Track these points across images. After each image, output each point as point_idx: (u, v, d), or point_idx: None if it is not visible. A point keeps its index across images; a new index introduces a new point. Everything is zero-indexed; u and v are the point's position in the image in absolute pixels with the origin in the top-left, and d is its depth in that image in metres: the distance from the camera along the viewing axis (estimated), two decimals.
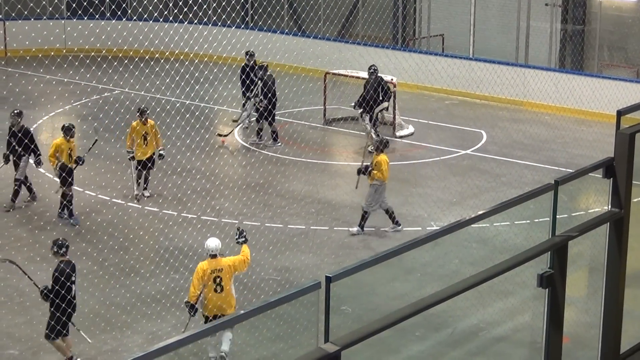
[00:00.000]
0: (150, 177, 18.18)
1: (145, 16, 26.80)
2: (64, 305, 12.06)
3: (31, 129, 17.99)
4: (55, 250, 12.33)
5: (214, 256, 12.39)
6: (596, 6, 26.34)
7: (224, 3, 24.02)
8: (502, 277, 6.01)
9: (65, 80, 25.36)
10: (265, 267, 15.29)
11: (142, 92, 24.09)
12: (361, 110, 21.32)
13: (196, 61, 23.73)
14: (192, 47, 23.91)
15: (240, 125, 22.45)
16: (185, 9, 23.28)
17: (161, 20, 26.20)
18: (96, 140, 17.26)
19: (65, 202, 16.82)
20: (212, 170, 19.65)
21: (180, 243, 16.10)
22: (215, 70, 23.56)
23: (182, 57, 23.13)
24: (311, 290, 4.88)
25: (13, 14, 26.20)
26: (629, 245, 7.14)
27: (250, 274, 14.84)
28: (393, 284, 14.24)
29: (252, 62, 22.00)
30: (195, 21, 26.21)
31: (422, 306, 5.39)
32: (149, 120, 17.92)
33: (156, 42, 21.32)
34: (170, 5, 28.33)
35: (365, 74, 21.92)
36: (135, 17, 27.61)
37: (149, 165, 18.00)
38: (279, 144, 21.51)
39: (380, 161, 16.50)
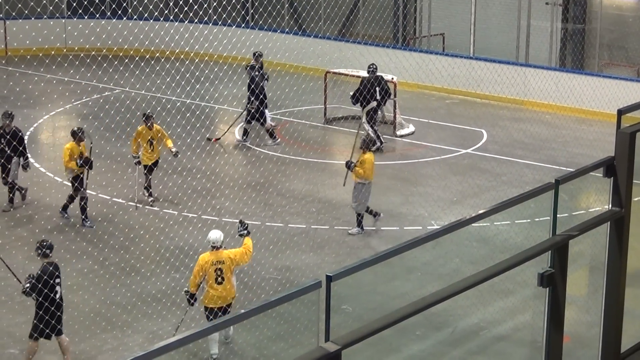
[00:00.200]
0: (150, 177, 18.08)
1: (146, 15, 26.82)
2: (46, 304, 12.00)
3: (21, 131, 17.81)
4: (40, 251, 12.28)
5: (215, 248, 12.52)
6: (597, 5, 26.33)
7: (224, 2, 24.03)
8: (503, 276, 6.00)
9: (66, 79, 25.37)
10: (266, 266, 15.30)
11: (143, 91, 24.09)
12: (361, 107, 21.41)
13: (197, 60, 23.73)
14: (193, 46, 23.91)
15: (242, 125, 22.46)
16: (186, 8, 23.27)
17: (162, 19, 26.20)
18: (91, 144, 17.05)
19: (86, 207, 16.76)
20: (212, 169, 19.65)
21: (181, 242, 16.11)
22: (215, 69, 23.58)
23: (182, 56, 23.14)
24: (312, 289, 4.88)
25: (14, 13, 26.23)
26: (629, 244, 7.13)
27: (251, 273, 14.85)
28: (394, 283, 14.25)
29: (259, 62, 22.00)
30: (196, 20, 26.21)
31: (422, 305, 5.39)
32: (155, 125, 17.82)
33: (157, 41, 21.32)
34: (171, 4, 28.33)
35: (365, 74, 21.92)
36: (135, 16, 27.62)
37: (154, 169, 17.90)
38: (278, 141, 21.52)
39: (365, 159, 16.53)
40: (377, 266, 5.23)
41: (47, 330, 12.07)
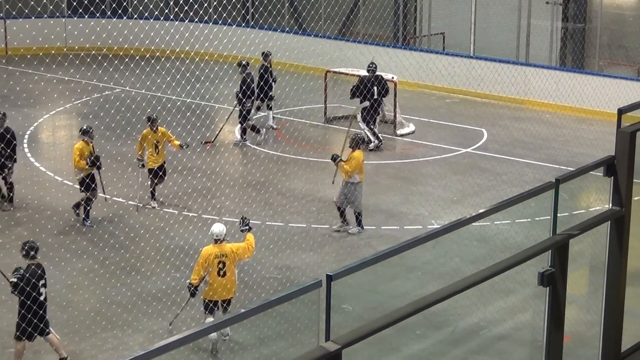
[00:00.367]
0: (160, 186, 17.95)
1: (146, 14, 26.82)
2: (28, 302, 11.98)
3: (11, 132, 17.72)
4: (25, 253, 12.26)
5: (218, 241, 12.69)
6: (597, 4, 26.33)
7: (224, 1, 24.02)
8: (503, 276, 6.01)
9: (66, 78, 25.37)
10: (266, 266, 15.30)
11: (143, 91, 24.09)
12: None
13: (197, 59, 23.73)
14: (193, 46, 23.90)
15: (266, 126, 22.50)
16: (186, 7, 23.28)
17: (162, 18, 26.18)
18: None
19: (85, 205, 16.73)
20: (212, 168, 19.65)
21: (181, 241, 16.11)
22: (216, 68, 23.57)
23: (183, 56, 23.12)
24: (312, 288, 4.88)
25: (14, 13, 26.23)
26: (629, 243, 7.13)
27: (252, 272, 14.86)
28: (394, 283, 14.24)
29: (267, 62, 22.00)
30: (196, 19, 26.21)
31: (423, 305, 5.39)
32: (159, 128, 17.77)
33: (157, 40, 21.33)
34: (171, 3, 28.33)
35: (366, 73, 21.93)
36: (136, 16, 27.62)
37: (160, 174, 17.77)
38: (247, 141, 21.49)
39: (353, 156, 16.59)
40: (377, 265, 5.23)
41: (30, 330, 12.04)
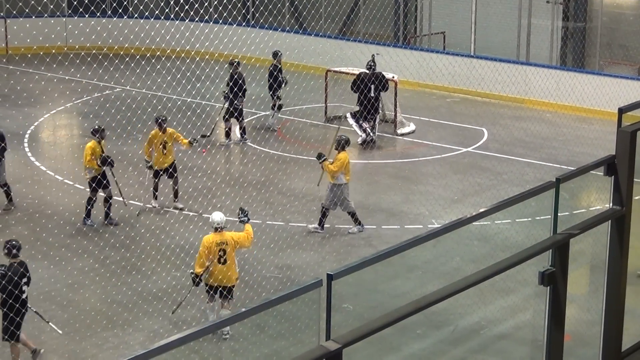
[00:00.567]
0: (177, 187, 17.77)
1: (147, 14, 26.83)
2: (10, 300, 11.97)
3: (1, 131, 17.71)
4: (6, 251, 12.25)
5: (218, 229, 12.96)
6: (597, 3, 26.33)
7: (225, 1, 24.03)
8: (504, 275, 6.01)
9: (67, 78, 25.37)
10: (267, 265, 15.30)
11: (144, 90, 24.09)
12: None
13: (197, 59, 23.72)
14: (194, 45, 23.90)
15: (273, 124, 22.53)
16: (187, 7, 23.28)
17: (162, 17, 26.17)
18: None
19: (89, 207, 16.71)
20: (213, 167, 19.65)
21: (181, 241, 16.11)
22: (216, 68, 23.56)
23: (183, 55, 23.12)
24: (313, 288, 4.89)
25: (14, 12, 26.24)
26: (630, 243, 7.14)
27: (252, 271, 14.87)
28: (394, 282, 14.25)
29: (276, 61, 21.99)
30: (197, 19, 26.21)
31: (423, 304, 5.40)
32: (168, 128, 17.72)
33: (157, 39, 21.34)
34: (172, 2, 28.31)
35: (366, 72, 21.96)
36: (136, 15, 27.62)
37: (175, 175, 17.69)
38: (247, 140, 21.53)
39: (338, 157, 16.61)
40: (377, 265, 5.23)
41: (12, 328, 12.01)
